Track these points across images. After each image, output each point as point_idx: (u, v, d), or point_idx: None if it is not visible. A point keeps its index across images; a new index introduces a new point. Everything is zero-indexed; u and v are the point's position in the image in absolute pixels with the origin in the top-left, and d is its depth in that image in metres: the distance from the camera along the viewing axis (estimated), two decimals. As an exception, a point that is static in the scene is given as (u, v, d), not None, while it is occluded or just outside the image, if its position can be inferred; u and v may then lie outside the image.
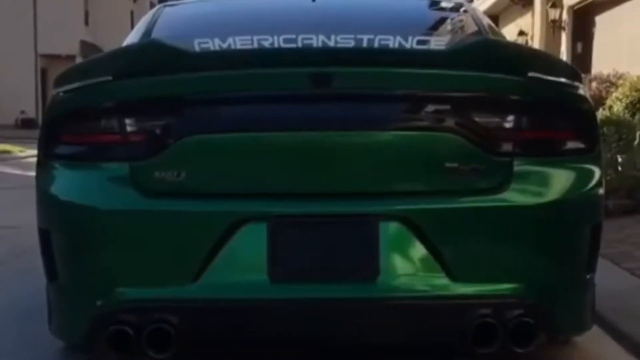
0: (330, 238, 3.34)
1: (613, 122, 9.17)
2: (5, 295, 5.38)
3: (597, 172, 3.59)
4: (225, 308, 3.36)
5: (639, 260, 6.02)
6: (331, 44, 3.51)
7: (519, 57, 3.77)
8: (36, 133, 3.78)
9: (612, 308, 4.56)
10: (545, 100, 3.53)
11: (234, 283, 3.33)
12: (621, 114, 10.38)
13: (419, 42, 3.64)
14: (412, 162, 3.43)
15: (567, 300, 3.52)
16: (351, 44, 3.54)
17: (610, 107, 10.81)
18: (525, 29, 24.68)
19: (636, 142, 8.88)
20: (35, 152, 3.72)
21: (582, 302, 3.63)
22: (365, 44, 3.54)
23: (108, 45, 32.33)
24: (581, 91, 3.68)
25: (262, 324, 3.41)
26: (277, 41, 3.55)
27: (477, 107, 3.45)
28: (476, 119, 3.44)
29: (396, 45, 3.53)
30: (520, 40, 22.37)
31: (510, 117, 3.47)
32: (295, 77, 3.40)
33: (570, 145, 3.58)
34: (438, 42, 3.84)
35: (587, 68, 17.02)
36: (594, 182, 3.57)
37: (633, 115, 10.13)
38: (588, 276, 3.60)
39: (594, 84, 13.40)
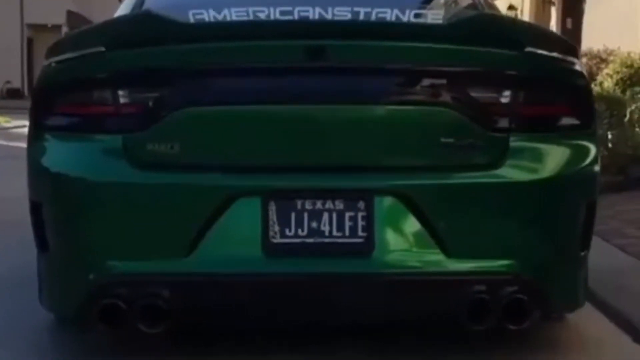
0: (325, 213, 3.32)
1: (604, 98, 9.15)
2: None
3: (593, 149, 3.58)
4: (218, 282, 3.35)
5: (630, 237, 6.04)
6: (328, 16, 3.46)
7: (515, 31, 3.73)
8: (22, 103, 3.76)
9: (604, 285, 4.55)
10: (542, 75, 3.52)
11: (227, 257, 3.32)
12: (612, 91, 10.35)
13: (416, 16, 3.60)
14: (408, 137, 3.42)
15: (561, 277, 3.52)
16: (347, 16, 3.49)
17: (601, 84, 10.78)
18: (514, 4, 24.59)
19: (627, 118, 8.86)
20: (21, 122, 3.67)
21: (577, 279, 3.63)
22: (361, 17, 3.50)
23: (94, 15, 32.18)
24: (578, 66, 3.65)
25: (255, 299, 3.40)
26: (273, 13, 3.49)
27: (473, 82, 3.43)
28: (472, 93, 3.43)
29: (393, 18, 3.49)
30: (510, 15, 22.27)
31: (507, 92, 3.45)
32: (291, 50, 3.37)
33: (566, 121, 3.56)
34: (434, 16, 3.79)
35: (577, 44, 16.98)
36: (589, 158, 3.56)
37: (624, 91, 10.09)
38: (582, 253, 3.60)
39: (584, 60, 13.36)
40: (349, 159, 3.39)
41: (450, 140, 3.38)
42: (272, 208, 3.30)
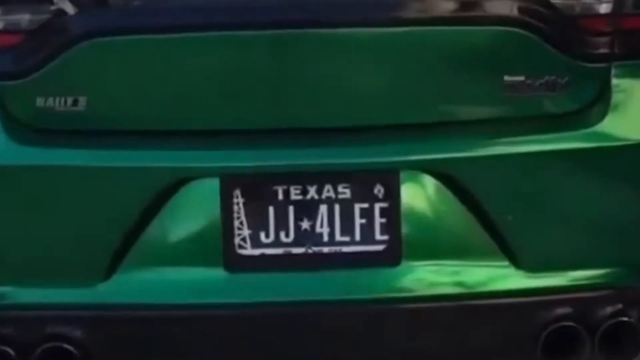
0: (322, 206, 2.48)
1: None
2: None
3: None
4: (155, 318, 2.53)
5: None
6: None
7: None
8: None
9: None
10: None
11: (168, 281, 2.49)
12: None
13: None
14: (450, 78, 2.51)
15: None
16: None
17: None
18: None
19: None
20: None
21: None
22: None
23: None
24: None
25: (212, 341, 2.57)
26: None
27: None
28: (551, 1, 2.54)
29: None
30: None
31: None
32: None
33: None
34: None
35: None
36: None
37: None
38: None
39: None
40: (357, 117, 2.50)
41: (519, 79, 2.49)
42: (239, 200, 2.44)
